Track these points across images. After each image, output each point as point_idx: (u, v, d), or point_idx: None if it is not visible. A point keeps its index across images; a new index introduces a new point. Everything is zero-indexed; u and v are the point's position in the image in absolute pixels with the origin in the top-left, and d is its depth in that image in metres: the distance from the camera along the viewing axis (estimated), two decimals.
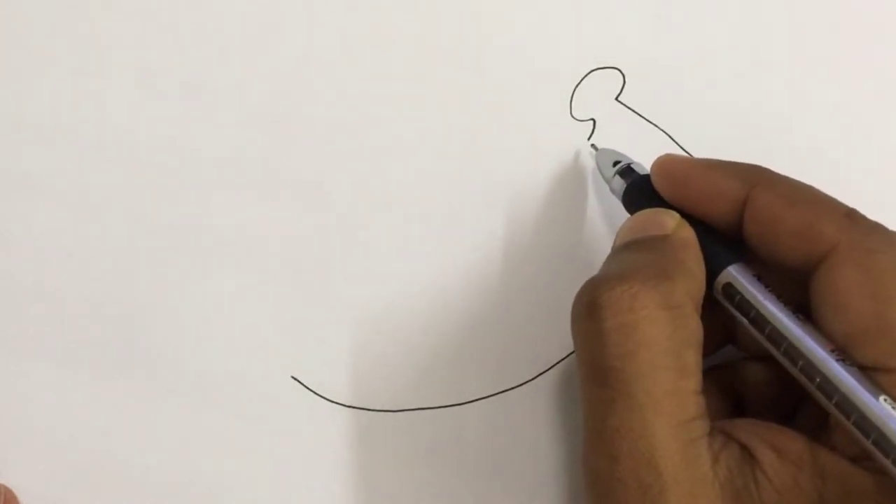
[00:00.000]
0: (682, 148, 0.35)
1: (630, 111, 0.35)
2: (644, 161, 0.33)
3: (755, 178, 0.29)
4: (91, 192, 0.34)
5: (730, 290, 0.28)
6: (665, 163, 0.30)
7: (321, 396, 0.34)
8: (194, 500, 0.33)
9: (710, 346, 0.31)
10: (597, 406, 0.27)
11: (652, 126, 0.35)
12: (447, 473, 0.34)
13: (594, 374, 0.27)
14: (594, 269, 0.29)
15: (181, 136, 0.34)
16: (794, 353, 0.27)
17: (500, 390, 0.34)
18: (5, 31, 0.34)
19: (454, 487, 0.33)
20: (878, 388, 0.25)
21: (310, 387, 0.34)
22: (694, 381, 0.27)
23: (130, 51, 0.34)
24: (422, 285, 0.34)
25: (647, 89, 0.35)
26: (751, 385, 0.31)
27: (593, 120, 0.35)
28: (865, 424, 0.25)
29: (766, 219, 0.28)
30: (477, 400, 0.34)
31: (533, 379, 0.34)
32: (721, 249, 0.29)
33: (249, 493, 0.33)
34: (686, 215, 0.29)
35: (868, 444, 0.25)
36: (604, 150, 0.34)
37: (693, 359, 0.27)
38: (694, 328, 0.27)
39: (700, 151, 0.35)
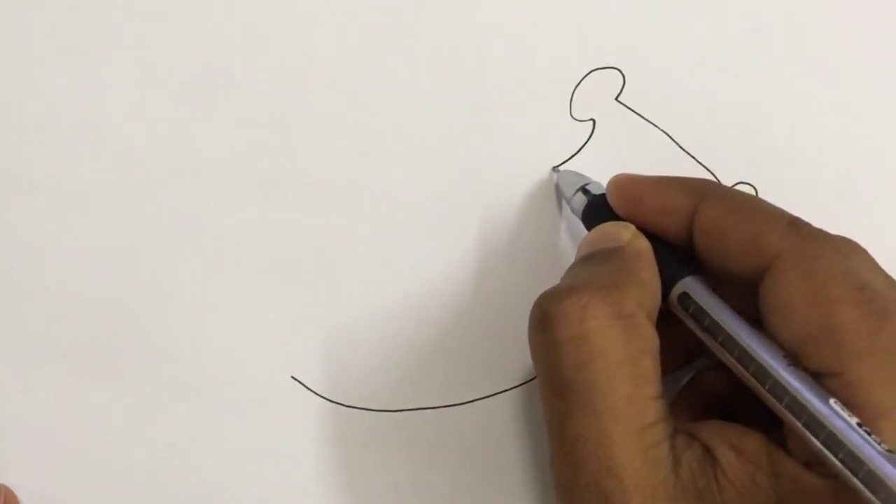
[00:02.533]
0: (682, 148, 0.35)
1: (630, 111, 0.35)
2: (639, 161, 0.33)
3: (702, 192, 0.29)
4: (91, 192, 0.34)
5: (685, 300, 0.29)
6: (619, 182, 0.31)
7: (321, 396, 0.34)
8: (194, 500, 0.33)
9: (681, 358, 0.31)
10: (556, 417, 0.27)
11: (652, 126, 0.35)
12: (447, 473, 0.34)
13: (551, 386, 0.27)
14: None
15: (181, 136, 0.34)
16: (745, 359, 0.27)
17: (500, 390, 0.34)
18: (5, 30, 0.34)
19: (454, 487, 0.33)
20: (826, 392, 0.26)
21: (310, 387, 0.34)
22: (652, 387, 0.27)
23: (130, 51, 0.34)
24: (423, 285, 0.34)
25: (647, 89, 0.35)
26: (725, 391, 0.31)
27: (593, 120, 0.35)
28: (814, 425, 0.25)
29: (712, 231, 0.29)
30: (476, 400, 0.34)
31: (532, 379, 0.34)
32: (677, 262, 0.29)
33: (249, 492, 0.33)
34: (644, 232, 0.30)
35: (817, 444, 0.25)
36: (565, 171, 0.34)
37: (650, 365, 0.27)
38: (648, 336, 0.27)
39: (700, 151, 0.35)
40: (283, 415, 0.33)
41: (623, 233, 0.30)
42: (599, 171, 0.35)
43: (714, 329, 0.28)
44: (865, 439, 0.24)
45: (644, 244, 0.29)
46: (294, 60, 0.35)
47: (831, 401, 0.25)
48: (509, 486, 0.34)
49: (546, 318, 0.27)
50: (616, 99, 0.35)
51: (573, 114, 0.35)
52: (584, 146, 0.35)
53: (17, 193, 0.34)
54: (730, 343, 0.27)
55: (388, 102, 0.35)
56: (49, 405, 0.33)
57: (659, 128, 0.35)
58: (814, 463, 0.26)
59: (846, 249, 0.28)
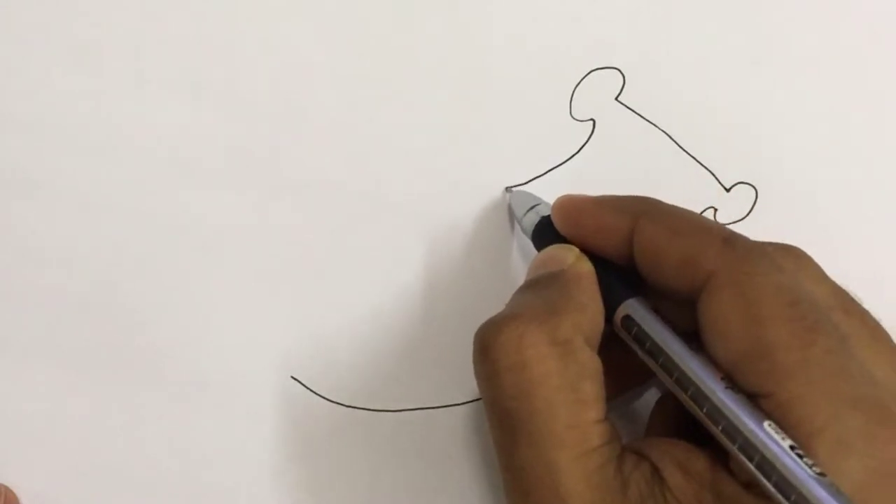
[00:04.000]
0: (682, 148, 0.35)
1: (630, 111, 0.35)
2: (639, 161, 0.34)
3: (640, 210, 0.29)
4: (91, 192, 0.34)
5: (627, 322, 0.29)
6: (562, 202, 0.31)
7: (321, 396, 0.34)
8: (194, 500, 0.33)
9: (639, 377, 0.31)
10: (503, 445, 0.27)
11: (652, 126, 0.35)
12: (446, 473, 0.34)
13: (496, 415, 0.27)
14: None
15: (181, 136, 0.34)
16: (684, 381, 0.27)
17: None
18: (5, 30, 0.34)
19: (453, 487, 0.33)
20: (762, 414, 0.25)
21: (310, 387, 0.34)
22: (593, 411, 0.27)
23: (130, 50, 0.34)
24: (422, 284, 0.34)
25: (647, 89, 0.35)
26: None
27: (593, 120, 0.35)
28: (749, 448, 0.25)
29: (650, 250, 0.28)
30: (476, 400, 0.34)
31: None
32: (621, 284, 0.29)
33: (249, 492, 0.33)
34: (590, 253, 0.30)
35: (752, 468, 0.25)
36: (517, 192, 0.34)
37: (591, 389, 0.27)
38: (586, 360, 0.27)
39: (700, 151, 0.35)
40: (283, 415, 0.33)
41: (566, 256, 0.30)
42: (599, 172, 0.35)
43: (655, 351, 0.28)
44: (797, 463, 0.24)
45: (586, 267, 0.29)
46: (293, 60, 0.35)
47: (765, 423, 0.25)
48: None
49: (485, 349, 0.27)
50: (616, 99, 0.35)
51: (573, 114, 0.35)
52: (584, 146, 0.35)
53: (17, 193, 0.34)
54: (669, 366, 0.27)
55: (388, 103, 0.35)
56: (49, 405, 0.33)
57: (659, 128, 0.35)
58: (753, 484, 0.26)
59: (783, 262, 0.27)
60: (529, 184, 0.35)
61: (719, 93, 0.35)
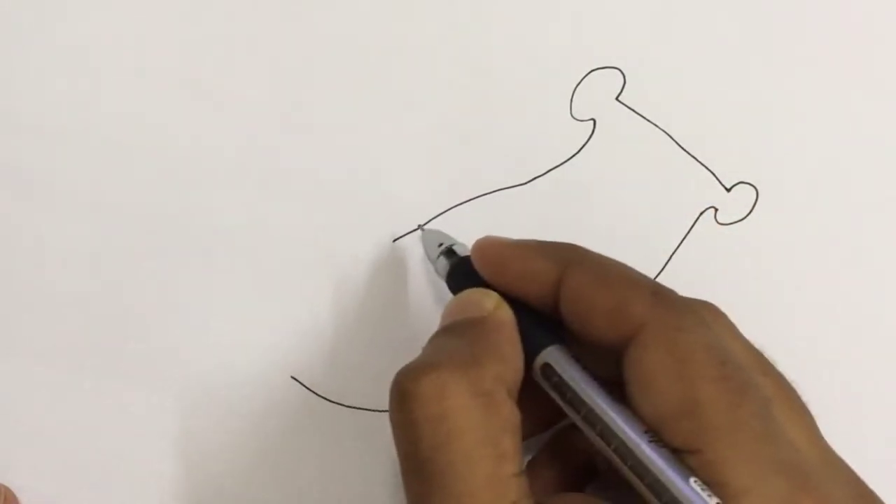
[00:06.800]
0: (682, 148, 0.35)
1: (630, 111, 0.35)
2: (639, 161, 0.34)
3: (568, 257, 0.29)
4: (91, 192, 0.34)
5: (548, 371, 0.28)
6: (484, 245, 0.30)
7: (321, 396, 0.34)
8: (194, 500, 0.33)
9: (550, 419, 0.30)
10: (416, 496, 0.27)
11: (652, 126, 0.35)
12: None
13: (411, 465, 0.27)
14: None
15: (181, 136, 0.34)
16: (608, 434, 0.26)
17: None
18: (4, 29, 0.34)
19: None
20: (687, 470, 0.25)
21: (310, 387, 0.34)
22: (512, 465, 0.26)
23: (130, 50, 0.34)
24: (423, 284, 0.34)
25: (647, 89, 0.35)
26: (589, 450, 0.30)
27: (593, 120, 0.35)
28: None
29: (578, 299, 0.28)
30: None
31: None
32: (541, 330, 0.29)
33: (249, 492, 0.33)
34: (508, 296, 0.29)
35: None
36: (430, 231, 0.34)
37: (510, 443, 0.26)
38: (507, 414, 0.27)
39: (700, 151, 0.35)
40: (283, 415, 0.33)
41: (485, 302, 0.29)
42: (599, 172, 0.35)
43: (576, 402, 0.27)
44: None
45: (506, 315, 0.29)
46: (295, 59, 0.35)
47: (691, 480, 0.25)
48: None
49: (404, 397, 0.26)
50: (616, 99, 0.35)
51: (573, 114, 0.35)
52: (584, 146, 0.35)
53: (17, 193, 0.34)
54: (592, 418, 0.27)
55: (389, 103, 0.35)
56: (49, 405, 0.33)
57: (659, 127, 0.35)
58: None
59: (709, 319, 0.27)
60: (529, 184, 0.35)
61: (719, 93, 0.35)
